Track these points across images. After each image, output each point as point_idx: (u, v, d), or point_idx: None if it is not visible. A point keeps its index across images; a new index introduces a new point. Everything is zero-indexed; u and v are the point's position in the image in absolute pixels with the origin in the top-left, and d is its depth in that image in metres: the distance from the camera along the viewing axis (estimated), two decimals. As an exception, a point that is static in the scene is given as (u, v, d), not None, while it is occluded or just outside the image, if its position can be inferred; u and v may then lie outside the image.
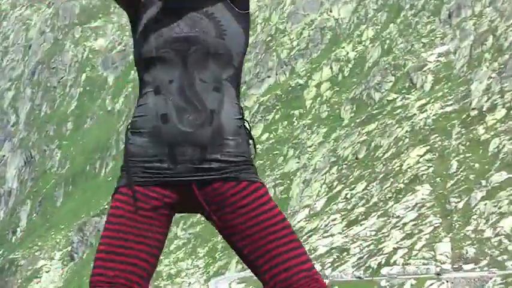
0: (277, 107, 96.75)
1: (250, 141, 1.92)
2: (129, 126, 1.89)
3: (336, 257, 54.58)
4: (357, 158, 75.08)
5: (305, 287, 1.79)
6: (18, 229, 72.09)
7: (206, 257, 65.38)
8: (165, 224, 1.89)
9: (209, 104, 1.80)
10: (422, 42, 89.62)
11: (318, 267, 54.03)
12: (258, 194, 1.85)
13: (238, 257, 1.92)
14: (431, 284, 45.95)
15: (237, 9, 1.93)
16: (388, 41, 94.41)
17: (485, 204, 52.17)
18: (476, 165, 58.74)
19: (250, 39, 66.26)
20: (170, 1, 1.90)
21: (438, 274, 46.95)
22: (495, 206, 51.48)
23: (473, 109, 67.92)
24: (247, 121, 1.92)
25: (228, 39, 1.87)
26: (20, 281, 59.90)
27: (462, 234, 50.51)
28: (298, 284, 1.80)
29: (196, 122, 1.79)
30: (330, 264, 53.79)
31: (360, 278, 49.93)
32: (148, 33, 1.89)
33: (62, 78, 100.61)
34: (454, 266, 48.64)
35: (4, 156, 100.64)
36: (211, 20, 1.87)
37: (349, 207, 65.14)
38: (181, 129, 1.79)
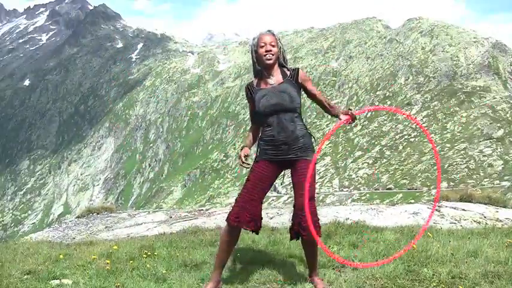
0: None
1: (312, 139, 4.21)
2: (259, 138, 4.25)
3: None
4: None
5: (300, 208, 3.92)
6: (164, 174, 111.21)
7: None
8: (275, 177, 4.20)
9: (290, 127, 4.16)
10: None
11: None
12: (309, 163, 4.11)
13: (293, 187, 3.96)
14: (329, 196, 60.79)
15: (295, 84, 4.25)
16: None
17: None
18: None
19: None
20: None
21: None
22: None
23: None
24: (309, 130, 4.23)
25: (294, 101, 4.20)
26: (163, 196, 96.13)
27: (343, 177, 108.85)
28: (300, 206, 4.02)
29: (287, 135, 4.17)
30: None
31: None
32: (260, 103, 4.20)
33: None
34: (340, 189, 76.51)
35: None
36: (286, 93, 4.19)
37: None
38: (281, 138, 4.17)
